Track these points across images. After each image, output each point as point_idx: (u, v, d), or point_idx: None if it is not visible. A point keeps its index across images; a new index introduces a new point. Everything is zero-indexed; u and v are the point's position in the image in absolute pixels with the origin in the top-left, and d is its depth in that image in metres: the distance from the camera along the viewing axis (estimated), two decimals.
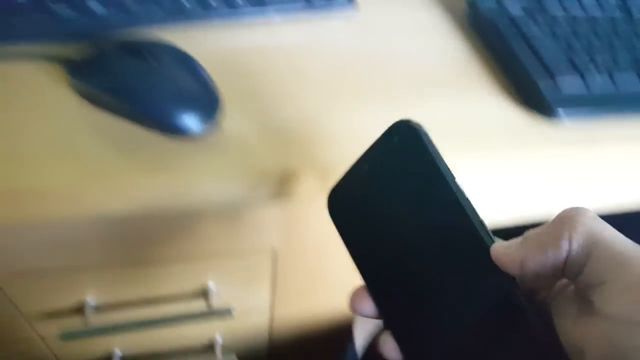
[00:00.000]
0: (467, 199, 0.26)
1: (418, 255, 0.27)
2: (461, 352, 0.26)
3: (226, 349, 0.63)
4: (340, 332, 0.65)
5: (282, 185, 0.39)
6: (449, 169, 0.26)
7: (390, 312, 0.28)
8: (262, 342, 0.65)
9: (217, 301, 0.53)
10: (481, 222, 0.25)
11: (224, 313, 0.52)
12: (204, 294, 0.52)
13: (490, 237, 0.25)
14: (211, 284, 0.52)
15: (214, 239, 0.44)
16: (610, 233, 0.24)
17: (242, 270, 0.51)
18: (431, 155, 0.26)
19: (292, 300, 0.59)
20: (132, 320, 0.50)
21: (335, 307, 0.62)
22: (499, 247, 0.25)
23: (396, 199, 0.27)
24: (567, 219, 0.24)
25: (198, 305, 0.52)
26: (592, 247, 0.23)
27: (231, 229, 0.43)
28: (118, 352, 0.59)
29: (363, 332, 0.65)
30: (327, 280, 0.57)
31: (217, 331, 0.62)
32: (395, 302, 0.28)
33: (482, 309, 0.25)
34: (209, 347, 0.63)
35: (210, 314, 0.51)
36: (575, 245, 0.24)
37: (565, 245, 0.24)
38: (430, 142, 0.26)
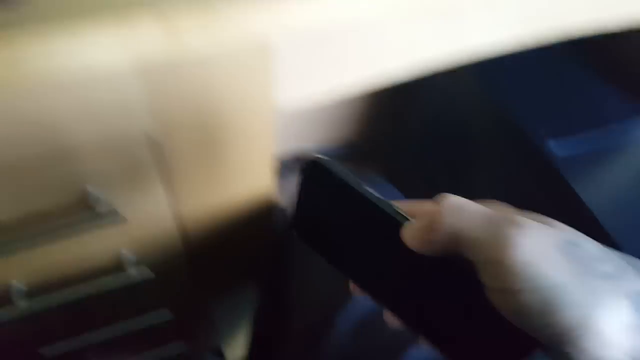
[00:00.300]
0: (381, 199, 0.30)
1: (375, 251, 0.31)
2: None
3: (138, 264, 0.60)
4: (261, 212, 0.63)
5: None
6: (359, 184, 0.30)
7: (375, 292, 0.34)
8: (177, 249, 0.62)
9: (102, 208, 0.49)
10: (396, 210, 0.30)
11: (111, 216, 0.47)
12: (84, 200, 0.47)
13: (407, 218, 0.30)
14: (90, 188, 0.48)
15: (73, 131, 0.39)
16: (468, 225, 0.26)
17: (120, 165, 0.47)
18: (341, 179, 0.30)
19: (194, 195, 0.56)
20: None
21: (246, 188, 0.59)
22: (404, 231, 0.29)
23: (339, 220, 0.32)
24: (431, 222, 0.27)
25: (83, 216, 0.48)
26: (456, 243, 0.26)
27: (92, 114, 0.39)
28: (17, 284, 0.54)
29: (286, 196, 0.63)
30: (226, 165, 0.54)
31: (121, 246, 0.58)
32: (376, 286, 0.33)
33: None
34: (119, 265, 0.59)
35: (96, 219, 0.47)
36: (439, 246, 0.27)
37: (434, 246, 0.27)
38: (335, 167, 0.30)
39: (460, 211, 0.27)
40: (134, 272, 0.57)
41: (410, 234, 0.29)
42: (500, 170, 0.86)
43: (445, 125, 0.98)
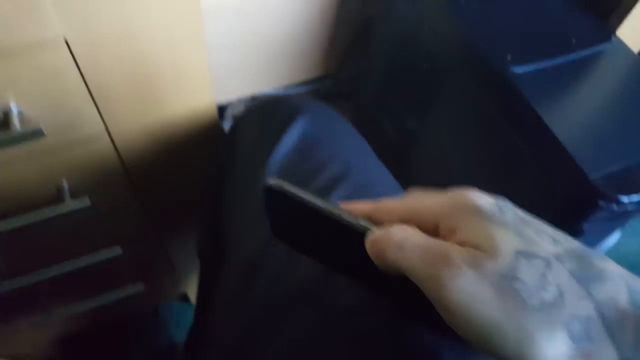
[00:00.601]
0: (340, 212, 0.30)
1: (342, 259, 0.33)
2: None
3: (78, 193, 0.57)
4: (202, 135, 0.60)
5: None
6: (317, 199, 0.31)
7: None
8: (118, 177, 0.59)
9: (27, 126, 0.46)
10: (357, 221, 0.30)
11: (34, 134, 0.44)
12: (5, 118, 0.44)
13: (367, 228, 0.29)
14: (13, 106, 0.45)
15: None
16: (408, 264, 0.25)
17: (42, 82, 0.44)
18: (300, 199, 0.31)
19: (129, 117, 0.53)
20: None
21: (184, 110, 0.56)
22: (367, 243, 0.28)
23: (306, 233, 0.33)
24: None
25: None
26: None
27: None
28: None
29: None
30: (162, 85, 0.51)
31: (60, 175, 0.55)
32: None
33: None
34: (57, 196, 0.56)
35: (17, 137, 0.44)
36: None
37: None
38: (293, 189, 0.31)
39: (401, 248, 0.26)
40: (72, 202, 0.54)
41: (369, 249, 0.28)
42: (464, 99, 0.84)
43: (408, 56, 0.96)
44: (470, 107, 0.83)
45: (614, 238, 0.89)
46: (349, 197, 0.41)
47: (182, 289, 0.93)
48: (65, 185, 0.56)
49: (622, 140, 0.68)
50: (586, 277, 0.24)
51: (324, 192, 0.42)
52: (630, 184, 0.64)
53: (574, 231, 0.71)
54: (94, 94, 0.49)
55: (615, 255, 1.15)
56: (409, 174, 1.06)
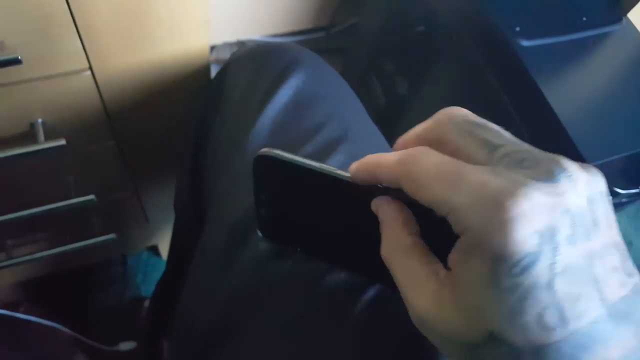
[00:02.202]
0: (331, 169, 0.29)
1: (331, 216, 0.31)
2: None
3: (53, 134, 0.52)
4: (193, 74, 0.56)
5: None
6: (308, 162, 0.29)
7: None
8: (97, 117, 0.54)
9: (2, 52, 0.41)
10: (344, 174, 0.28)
11: (10, 61, 0.39)
12: None
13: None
14: None
15: None
16: (462, 201, 0.21)
17: (21, 6, 0.39)
18: (292, 164, 0.30)
19: (112, 50, 0.48)
20: None
21: (174, 46, 0.51)
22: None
23: (296, 200, 0.32)
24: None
25: None
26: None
27: None
28: None
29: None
30: (149, 14, 0.46)
31: (35, 111, 0.50)
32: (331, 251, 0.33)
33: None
34: (31, 134, 0.51)
35: None
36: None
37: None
38: (283, 156, 0.30)
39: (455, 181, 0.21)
40: (46, 142, 0.50)
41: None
42: (463, 67, 0.81)
43: (409, 17, 0.91)
44: (468, 77, 0.81)
45: None
46: (346, 163, 0.38)
47: (153, 241, 0.90)
48: (40, 123, 0.51)
49: (624, 129, 0.67)
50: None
51: (321, 155, 0.38)
52: (628, 175, 0.63)
53: None
54: (78, 24, 0.44)
55: None
56: (394, 143, 1.04)
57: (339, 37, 1.15)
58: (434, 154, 0.22)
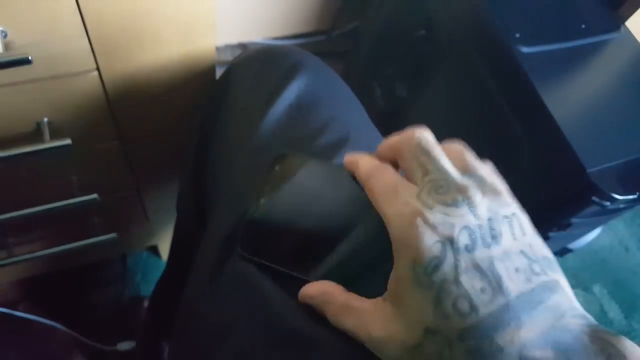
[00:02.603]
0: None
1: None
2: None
3: (59, 133, 0.53)
4: (199, 77, 0.56)
5: None
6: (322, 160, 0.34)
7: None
8: (103, 118, 0.55)
9: (13, 52, 0.41)
10: None
11: (20, 60, 0.40)
12: None
13: None
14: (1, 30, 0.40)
15: None
16: None
17: (32, 5, 0.40)
18: (309, 160, 0.34)
19: (119, 51, 0.49)
20: None
21: (181, 49, 0.52)
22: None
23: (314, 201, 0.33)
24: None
25: None
26: None
27: None
28: None
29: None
30: (157, 16, 0.46)
31: (42, 111, 0.51)
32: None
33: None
34: (36, 134, 0.52)
35: (2, 62, 0.39)
36: None
37: None
38: (299, 155, 0.34)
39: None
40: (51, 141, 0.50)
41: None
42: (462, 72, 0.82)
43: (410, 22, 0.92)
44: (468, 82, 0.81)
45: (595, 233, 0.91)
46: None
47: (153, 241, 0.90)
48: (46, 122, 0.51)
49: (622, 135, 0.68)
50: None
51: (324, 157, 0.39)
52: (626, 181, 0.64)
53: (561, 224, 0.71)
54: (87, 25, 0.44)
55: (588, 249, 1.18)
56: None
57: (340, 40, 1.16)
58: (388, 172, 0.30)
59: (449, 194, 0.26)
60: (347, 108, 0.46)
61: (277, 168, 0.35)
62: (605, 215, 0.72)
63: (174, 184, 0.73)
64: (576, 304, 0.26)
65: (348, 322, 0.29)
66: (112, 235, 0.68)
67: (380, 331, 0.27)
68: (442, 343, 0.25)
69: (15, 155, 0.49)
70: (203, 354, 0.37)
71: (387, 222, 0.28)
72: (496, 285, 0.24)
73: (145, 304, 0.90)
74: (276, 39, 1.11)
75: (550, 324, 0.24)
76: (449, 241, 0.25)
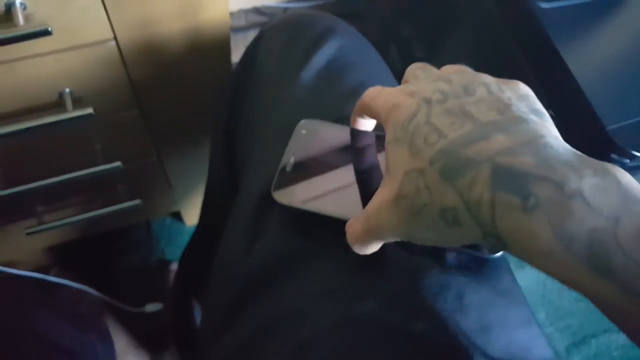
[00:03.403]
0: None
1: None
2: None
3: (81, 103, 0.54)
4: (215, 42, 0.56)
5: None
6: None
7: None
8: (122, 86, 0.55)
9: (33, 24, 0.42)
10: None
11: (40, 32, 0.41)
12: (8, 12, 0.40)
13: None
14: (18, 3, 0.41)
15: None
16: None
17: None
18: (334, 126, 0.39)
19: (135, 20, 0.49)
20: None
21: (195, 15, 0.52)
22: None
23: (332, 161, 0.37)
24: None
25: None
26: None
27: None
28: None
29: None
30: None
31: (63, 81, 0.52)
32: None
33: None
34: (59, 104, 0.53)
35: (21, 35, 0.40)
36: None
37: None
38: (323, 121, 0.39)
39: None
40: (74, 110, 0.51)
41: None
42: (482, 31, 0.80)
43: None
44: (487, 39, 0.80)
45: None
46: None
47: (176, 207, 0.92)
48: (68, 92, 0.52)
49: None
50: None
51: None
52: None
53: None
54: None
55: None
56: None
57: (355, 1, 1.14)
58: (387, 90, 0.30)
59: (431, 79, 0.29)
60: (377, 73, 0.46)
61: (303, 132, 0.38)
62: None
63: (196, 151, 0.74)
64: (562, 141, 0.25)
65: (376, 231, 0.29)
66: (137, 202, 0.70)
67: (374, 206, 0.28)
68: (416, 176, 0.25)
69: (40, 126, 0.50)
70: (238, 305, 0.39)
71: (375, 102, 0.30)
72: (464, 117, 0.25)
73: (171, 267, 0.93)
74: (290, 1, 1.10)
75: (527, 139, 0.23)
76: (424, 100, 0.27)
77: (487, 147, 0.23)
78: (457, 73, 0.29)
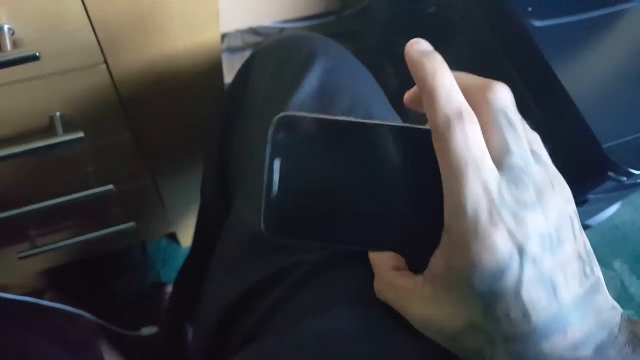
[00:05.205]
0: (370, 121, 0.28)
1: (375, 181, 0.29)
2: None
3: (71, 127, 0.54)
4: (206, 66, 0.56)
5: None
6: (341, 118, 0.28)
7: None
8: (113, 110, 0.55)
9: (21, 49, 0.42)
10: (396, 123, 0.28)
11: (28, 58, 0.40)
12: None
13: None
14: (6, 28, 0.40)
15: None
16: None
17: (44, 10, 0.40)
18: (322, 120, 0.28)
19: (126, 44, 0.49)
20: None
21: (186, 40, 0.52)
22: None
23: (325, 166, 0.29)
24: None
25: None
26: None
27: None
28: None
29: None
30: (161, 8, 0.46)
31: (54, 105, 0.52)
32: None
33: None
34: (50, 128, 0.53)
35: (9, 60, 0.40)
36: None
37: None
38: (306, 115, 0.28)
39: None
40: (64, 134, 0.51)
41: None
42: (476, 48, 0.80)
43: None
44: (481, 58, 0.80)
45: (613, 208, 0.89)
46: None
47: (171, 229, 0.92)
48: (59, 116, 0.52)
49: (638, 109, 0.66)
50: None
51: None
52: None
53: (578, 200, 0.70)
54: (92, 19, 0.45)
55: (608, 224, 1.16)
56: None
57: (351, 20, 1.15)
58: (476, 130, 0.24)
59: (528, 192, 0.24)
60: (369, 93, 0.46)
61: (281, 135, 0.29)
62: (622, 190, 0.71)
63: (190, 172, 0.74)
64: (609, 297, 0.26)
65: (388, 296, 0.29)
66: (131, 224, 0.70)
67: (417, 311, 0.27)
68: (484, 340, 0.24)
69: (30, 150, 0.50)
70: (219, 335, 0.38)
71: (452, 188, 0.24)
72: (552, 293, 0.24)
73: (167, 289, 0.92)
74: (286, 22, 1.10)
75: (593, 324, 0.24)
76: (519, 250, 0.23)
77: (562, 341, 0.24)
78: (549, 186, 0.25)
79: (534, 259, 0.23)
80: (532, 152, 0.26)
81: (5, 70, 0.42)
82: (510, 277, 0.23)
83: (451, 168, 0.24)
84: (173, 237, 1.00)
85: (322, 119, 0.28)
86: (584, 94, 0.66)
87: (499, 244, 0.23)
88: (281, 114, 0.28)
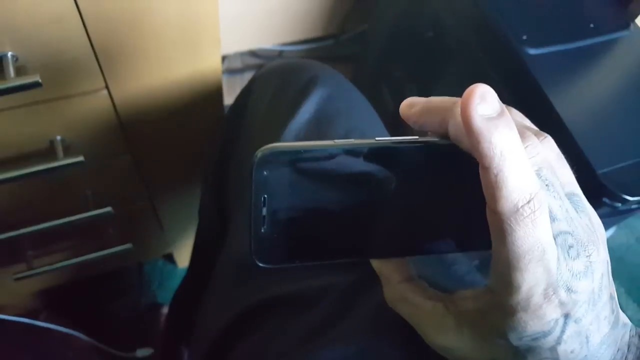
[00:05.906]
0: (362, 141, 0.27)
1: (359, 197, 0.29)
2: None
3: (72, 150, 0.54)
4: (207, 92, 0.57)
5: None
6: (325, 143, 0.27)
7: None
8: (114, 135, 0.56)
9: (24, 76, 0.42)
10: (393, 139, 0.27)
11: (31, 85, 0.41)
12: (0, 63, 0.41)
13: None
14: (8, 53, 0.41)
15: None
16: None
17: (41, 28, 0.41)
18: (304, 152, 0.27)
19: (127, 70, 0.50)
20: None
21: (187, 66, 0.53)
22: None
23: (315, 198, 0.28)
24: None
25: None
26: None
27: None
28: None
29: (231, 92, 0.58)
30: (163, 35, 0.47)
31: (55, 129, 0.52)
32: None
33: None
34: (50, 151, 0.53)
35: (12, 87, 0.41)
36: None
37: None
38: (289, 146, 0.27)
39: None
40: (65, 158, 0.51)
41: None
42: (472, 75, 0.81)
43: (418, 24, 0.92)
44: (473, 79, 0.81)
45: (609, 232, 0.90)
46: None
47: (168, 250, 0.92)
48: (59, 140, 0.52)
49: (632, 136, 0.67)
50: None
51: None
52: (637, 182, 0.63)
53: None
54: (95, 46, 0.45)
55: None
56: None
57: (349, 44, 1.16)
58: (544, 213, 0.22)
59: (579, 260, 0.23)
60: (364, 118, 0.47)
61: (266, 173, 0.28)
62: (617, 216, 0.71)
63: (188, 194, 0.74)
64: (622, 315, 0.27)
65: (403, 310, 0.28)
66: (128, 245, 0.70)
67: (437, 338, 0.26)
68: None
69: (31, 173, 0.50)
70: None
71: (509, 266, 0.22)
72: (585, 343, 0.24)
73: (163, 311, 0.92)
74: (285, 44, 1.12)
75: (613, 352, 0.26)
76: (565, 315, 0.23)
77: None
78: (592, 245, 0.24)
79: (577, 320, 0.23)
80: (570, 199, 0.25)
81: (8, 96, 0.43)
82: (551, 338, 0.23)
83: (513, 254, 0.22)
84: (170, 258, 1.00)
85: (304, 148, 0.27)
86: (579, 121, 0.67)
87: (549, 315, 0.23)
88: (260, 150, 0.27)
